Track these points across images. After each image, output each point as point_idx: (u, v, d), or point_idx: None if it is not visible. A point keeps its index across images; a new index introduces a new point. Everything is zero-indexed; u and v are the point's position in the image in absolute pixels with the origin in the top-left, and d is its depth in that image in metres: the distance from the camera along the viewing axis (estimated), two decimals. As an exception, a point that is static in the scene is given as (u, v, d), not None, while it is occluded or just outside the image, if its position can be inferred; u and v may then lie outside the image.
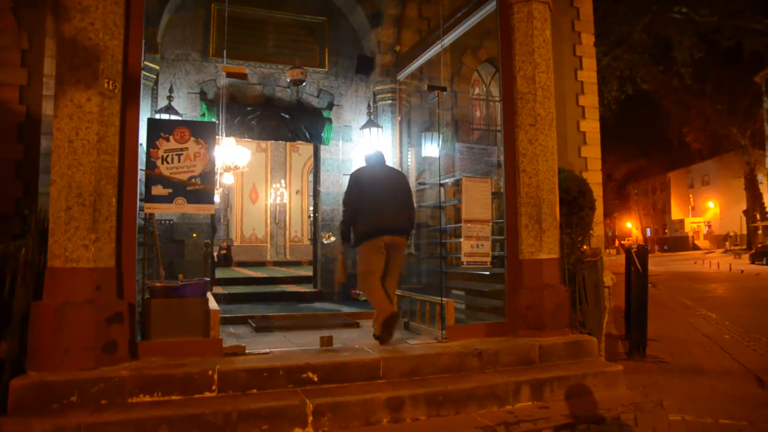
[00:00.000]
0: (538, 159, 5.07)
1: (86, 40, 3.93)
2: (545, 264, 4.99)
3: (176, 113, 7.56)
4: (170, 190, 4.26)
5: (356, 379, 4.08)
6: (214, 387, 3.78)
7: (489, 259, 5.16)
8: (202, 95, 8.23)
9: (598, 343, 5.18)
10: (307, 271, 12.25)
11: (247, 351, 4.31)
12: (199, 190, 4.31)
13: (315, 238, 9.42)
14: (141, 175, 4.27)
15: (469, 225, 5.08)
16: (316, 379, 3.98)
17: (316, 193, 9.15)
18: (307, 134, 8.60)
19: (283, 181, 22.06)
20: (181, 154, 4.29)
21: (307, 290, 9.09)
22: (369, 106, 8.58)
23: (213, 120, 8.04)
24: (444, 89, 5.24)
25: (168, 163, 4.26)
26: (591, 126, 9.30)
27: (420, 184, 7.84)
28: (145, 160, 4.27)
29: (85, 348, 3.72)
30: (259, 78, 8.56)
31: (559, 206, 5.21)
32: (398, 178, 5.27)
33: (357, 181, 5.02)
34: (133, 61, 4.28)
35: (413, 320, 5.62)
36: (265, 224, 21.83)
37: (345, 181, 8.94)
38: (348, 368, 4.10)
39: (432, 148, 8.14)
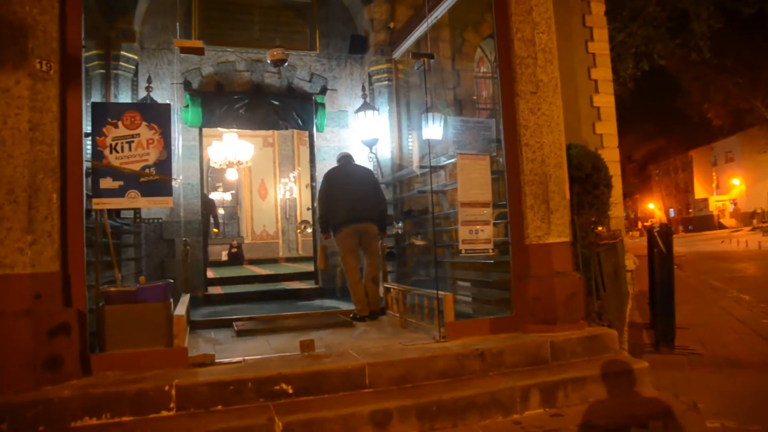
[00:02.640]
0: (542, 130, 4.49)
1: (10, 14, 3.43)
2: (555, 248, 4.42)
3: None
4: (121, 183, 3.77)
5: (338, 389, 3.56)
6: (171, 405, 3.28)
7: (490, 246, 4.59)
8: (187, 85, 7.74)
9: (620, 335, 4.60)
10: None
11: (217, 360, 3.81)
12: (155, 181, 3.81)
13: (315, 232, 8.92)
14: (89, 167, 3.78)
15: (466, 209, 4.51)
16: (290, 391, 3.47)
17: (312, 184, 8.62)
18: (299, 121, 8.08)
19: (292, 175, 21.56)
20: (132, 141, 3.79)
21: (309, 287, 8.57)
22: (364, 87, 8.02)
23: (197, 108, 7.58)
24: (431, 56, 4.67)
25: (117, 152, 3.77)
26: (605, 100, 8.61)
27: (422, 168, 7.27)
28: (91, 150, 3.77)
29: (22, 365, 3.25)
30: (247, 65, 8.05)
31: (569, 184, 4.62)
32: (365, 173, 6.15)
33: (327, 179, 5.93)
34: (72, 39, 3.76)
35: (412, 317, 5.08)
36: (276, 220, 21.36)
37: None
38: (328, 377, 3.57)
39: (434, 130, 7.56)
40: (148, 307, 3.76)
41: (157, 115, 3.86)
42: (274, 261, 19.96)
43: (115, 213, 6.71)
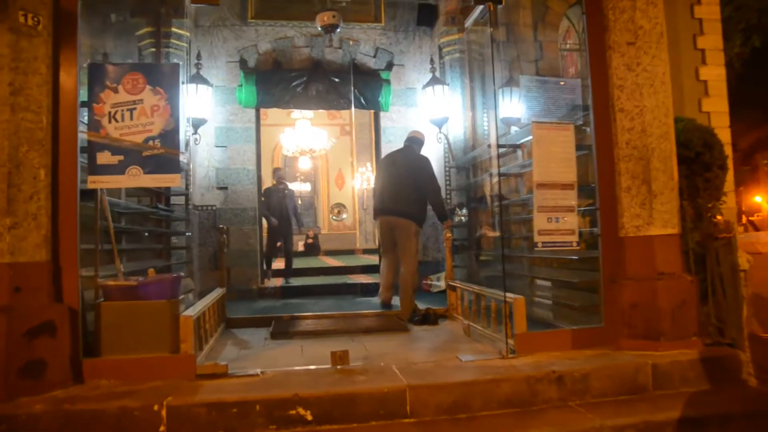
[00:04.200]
0: (642, 91, 3.50)
1: (-16, -46, 2.93)
2: (658, 242, 3.43)
3: (206, 83, 6.60)
4: (121, 157, 3.19)
5: (369, 417, 2.80)
6: (162, 429, 2.66)
7: (575, 239, 3.64)
8: (242, 63, 7.24)
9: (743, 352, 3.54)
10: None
11: (230, 371, 3.17)
12: (159, 155, 3.20)
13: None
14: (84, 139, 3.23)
15: (543, 191, 3.60)
16: (309, 417, 2.75)
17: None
18: (362, 99, 7.36)
19: (369, 164, 21.03)
20: (135, 108, 3.20)
21: (373, 281, 7.89)
22: (432, 60, 7.18)
23: (252, 87, 7.05)
24: (499, 1, 3.76)
25: (117, 121, 3.19)
26: (714, 73, 7.33)
27: (501, 147, 6.35)
28: (88, 120, 3.22)
29: (-9, 373, 2.74)
30: (306, 40, 7.42)
31: (677, 163, 3.60)
32: (409, 161, 5.43)
33: (379, 165, 5.91)
34: (68, -11, 3.22)
35: (477, 322, 4.23)
36: (353, 210, 20.95)
37: (410, 154, 7.68)
38: (358, 401, 2.82)
39: (513, 106, 6.60)
40: (150, 305, 3.17)
41: (162, 77, 3.25)
42: (350, 252, 19.51)
43: (163, 199, 6.35)
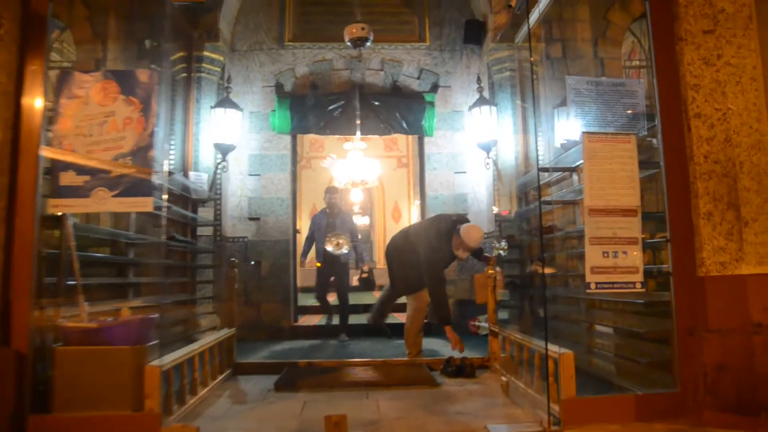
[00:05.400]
0: (726, 91, 2.76)
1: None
2: (752, 284, 2.63)
3: (235, 107, 6.26)
4: (87, 178, 2.73)
5: None
6: None
7: (639, 278, 2.88)
8: (278, 88, 6.88)
9: None
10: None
11: (204, 436, 2.60)
12: (130, 176, 2.73)
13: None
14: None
15: (597, 217, 2.88)
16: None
17: (422, 198, 7.29)
18: (404, 124, 6.83)
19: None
20: (105, 121, 2.76)
21: (419, 321, 7.17)
22: (479, 79, 6.58)
23: (285, 112, 6.65)
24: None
25: (85, 136, 2.76)
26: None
27: (555, 171, 5.62)
28: (52, 134, 2.80)
29: None
30: (346, 62, 7.02)
31: None
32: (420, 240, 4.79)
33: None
34: (37, -10, 2.85)
35: (519, 378, 3.50)
36: (410, 245, 20.28)
37: (457, 182, 7.03)
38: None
39: (569, 127, 5.87)
40: (112, 352, 2.65)
41: (137, 84, 2.80)
42: (407, 288, 18.76)
43: (189, 231, 5.99)
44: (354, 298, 11.89)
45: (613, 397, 2.85)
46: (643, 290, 2.88)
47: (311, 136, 14.71)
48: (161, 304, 3.05)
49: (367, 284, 19.83)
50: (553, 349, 2.82)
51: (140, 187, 2.74)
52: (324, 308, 6.72)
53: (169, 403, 2.86)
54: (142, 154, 2.75)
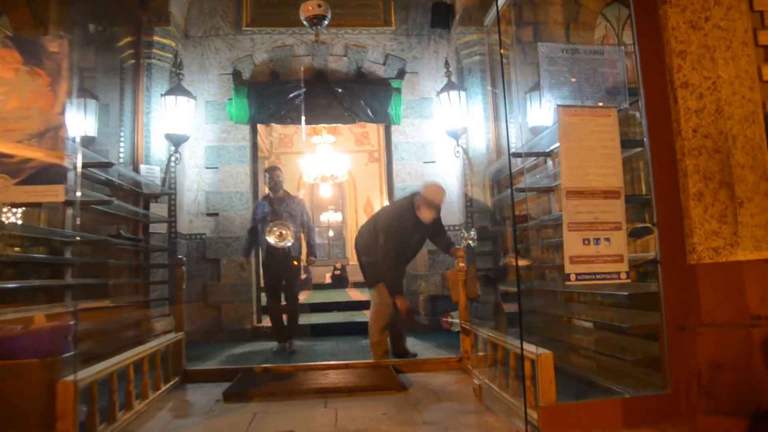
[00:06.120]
0: (715, 56, 2.47)
1: None
2: (750, 271, 2.36)
3: (188, 95, 5.84)
4: (-15, 164, 2.34)
5: None
6: None
7: (624, 268, 2.60)
8: (236, 76, 6.48)
9: None
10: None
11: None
12: (38, 161, 2.33)
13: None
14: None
15: (575, 202, 2.58)
16: None
17: (390, 190, 6.96)
18: (368, 111, 6.48)
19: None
20: (6, 97, 2.36)
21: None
22: (447, 63, 6.27)
23: (243, 101, 6.25)
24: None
25: (-17, 115, 2.35)
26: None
27: (517, 156, 5.34)
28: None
29: None
30: (307, 48, 6.64)
31: None
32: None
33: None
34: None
35: (493, 380, 3.19)
36: (383, 240, 19.97)
37: (426, 172, 6.69)
38: None
39: (542, 113, 5.61)
40: (16, 367, 2.27)
41: (46, 56, 2.41)
42: (379, 284, 18.43)
43: (141, 228, 5.56)
44: (325, 296, 11.55)
45: (597, 402, 2.55)
46: (629, 281, 2.60)
47: (280, 130, 14.33)
48: (75, 310, 2.65)
49: (340, 281, 19.49)
50: (530, 348, 2.51)
51: (49, 173, 2.35)
52: (276, 330, 5.25)
53: (92, 423, 2.47)
54: (52, 135, 2.36)
